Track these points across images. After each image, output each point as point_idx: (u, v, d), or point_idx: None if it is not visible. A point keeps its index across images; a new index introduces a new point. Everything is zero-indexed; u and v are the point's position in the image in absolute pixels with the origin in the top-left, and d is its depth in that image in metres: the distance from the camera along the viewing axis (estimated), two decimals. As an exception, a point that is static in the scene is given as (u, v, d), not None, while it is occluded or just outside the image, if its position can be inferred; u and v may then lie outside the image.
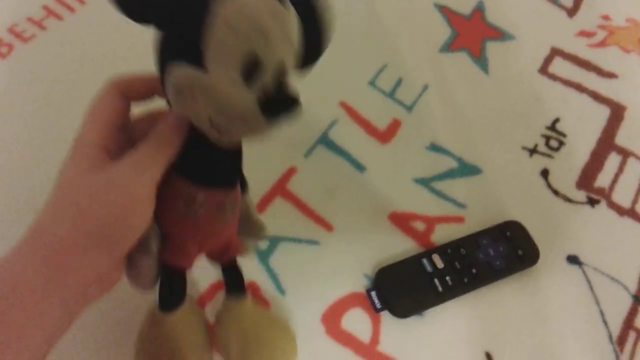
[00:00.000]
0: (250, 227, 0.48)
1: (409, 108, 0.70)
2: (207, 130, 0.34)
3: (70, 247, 0.33)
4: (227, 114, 0.32)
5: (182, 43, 0.32)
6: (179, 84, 0.32)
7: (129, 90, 0.39)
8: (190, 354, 0.46)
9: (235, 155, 0.40)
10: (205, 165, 0.39)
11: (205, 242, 0.43)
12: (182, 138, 0.37)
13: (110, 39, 0.72)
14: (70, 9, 0.76)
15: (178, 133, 0.37)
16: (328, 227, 0.61)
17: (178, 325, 0.45)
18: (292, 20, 0.33)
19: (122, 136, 0.38)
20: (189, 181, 0.38)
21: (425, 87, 0.72)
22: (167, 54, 0.33)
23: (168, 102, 0.36)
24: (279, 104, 0.32)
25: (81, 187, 0.35)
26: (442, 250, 0.58)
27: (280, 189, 0.62)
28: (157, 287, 0.43)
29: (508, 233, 0.59)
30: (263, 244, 0.58)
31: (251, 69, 0.31)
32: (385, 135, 0.67)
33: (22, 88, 0.68)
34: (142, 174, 0.35)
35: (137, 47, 0.72)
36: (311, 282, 0.57)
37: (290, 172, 0.64)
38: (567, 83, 0.73)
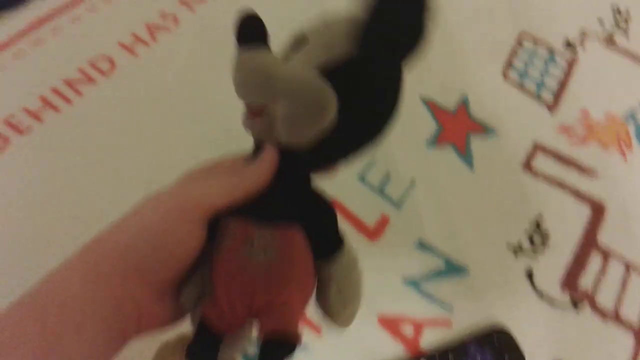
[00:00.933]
0: (325, 305, 0.40)
1: (397, 204, 0.71)
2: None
3: (104, 262, 0.33)
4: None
5: None
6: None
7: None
8: None
9: (278, 189, 0.38)
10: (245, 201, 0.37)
11: (234, 289, 0.36)
12: (267, 171, 0.37)
13: (106, 129, 0.73)
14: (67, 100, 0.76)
15: (265, 164, 0.36)
16: (316, 330, 0.60)
17: None
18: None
19: None
20: (231, 214, 0.36)
21: (413, 182, 0.73)
22: None
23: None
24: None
25: (138, 204, 0.35)
26: (430, 357, 0.58)
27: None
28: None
29: (495, 341, 0.60)
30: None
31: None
32: (374, 232, 0.68)
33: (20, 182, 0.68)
34: (194, 193, 0.35)
35: (132, 136, 0.73)
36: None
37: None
38: (549, 179, 0.75)
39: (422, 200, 0.72)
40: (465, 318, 0.63)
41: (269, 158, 0.37)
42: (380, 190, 0.72)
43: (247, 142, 0.40)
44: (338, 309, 0.40)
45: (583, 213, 0.73)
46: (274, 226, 0.36)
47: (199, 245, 0.35)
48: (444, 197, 0.72)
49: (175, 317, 0.37)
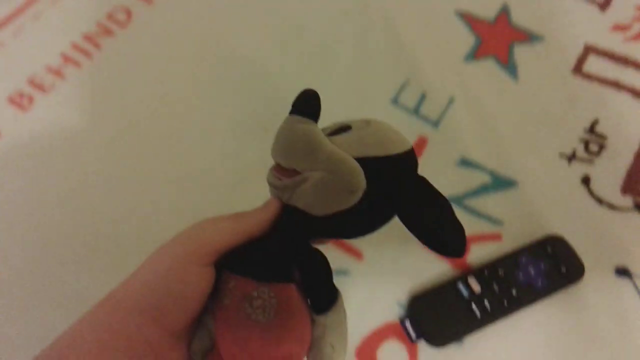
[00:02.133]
0: (317, 354, 0.40)
1: (435, 124, 0.67)
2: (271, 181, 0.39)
3: (118, 311, 0.33)
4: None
5: None
6: None
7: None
8: None
9: (277, 248, 0.39)
10: (240, 252, 0.38)
11: (236, 348, 0.37)
12: (261, 213, 0.38)
13: (127, 80, 0.74)
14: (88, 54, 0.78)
15: (266, 211, 0.38)
16: (358, 255, 0.59)
17: None
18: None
19: None
20: (229, 270, 0.38)
21: (451, 100, 0.69)
22: None
23: None
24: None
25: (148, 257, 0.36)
26: (478, 272, 0.55)
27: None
28: None
29: (549, 249, 0.56)
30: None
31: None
32: (411, 154, 0.65)
33: (45, 138, 0.70)
34: (199, 238, 0.36)
35: (153, 85, 0.74)
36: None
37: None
38: (604, 82, 0.69)
39: (463, 117, 0.68)
40: (517, 231, 0.59)
41: (273, 206, 0.39)
42: (416, 111, 0.68)
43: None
44: None
45: (644, 113, 0.67)
46: (272, 285, 0.37)
47: (210, 287, 0.36)
48: (486, 112, 0.68)
49: None
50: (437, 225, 0.37)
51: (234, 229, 0.37)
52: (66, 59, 0.77)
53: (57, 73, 0.76)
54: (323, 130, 0.38)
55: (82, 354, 0.31)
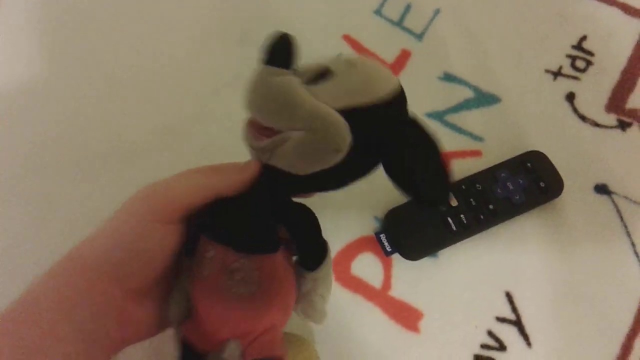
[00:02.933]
0: (310, 310, 0.40)
1: (419, 36, 0.65)
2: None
3: (82, 268, 0.32)
4: (245, 94, 0.34)
5: None
6: None
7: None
8: None
9: (259, 212, 0.36)
10: (222, 221, 0.36)
11: (215, 317, 0.35)
12: (235, 171, 0.35)
13: None
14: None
15: (230, 166, 0.36)
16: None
17: None
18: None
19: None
20: (207, 236, 0.35)
21: (437, 12, 0.66)
22: None
23: None
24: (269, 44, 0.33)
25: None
26: (456, 186, 0.54)
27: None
28: None
29: (529, 164, 0.55)
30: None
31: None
32: (393, 67, 0.63)
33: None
34: (163, 193, 0.34)
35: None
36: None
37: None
38: (595, -4, 0.67)
39: (448, 30, 0.65)
40: (498, 148, 0.58)
41: (252, 168, 0.35)
42: (400, 23, 0.66)
43: None
44: (322, 311, 0.40)
45: (634, 29, 0.64)
46: (255, 257, 0.35)
47: (175, 246, 0.34)
48: (472, 25, 0.65)
49: (159, 322, 0.36)
50: (418, 177, 0.35)
51: (205, 185, 0.35)
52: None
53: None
54: (301, 76, 0.34)
55: (46, 313, 0.31)
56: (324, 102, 0.33)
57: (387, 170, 0.36)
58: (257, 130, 0.34)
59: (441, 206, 0.39)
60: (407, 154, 0.35)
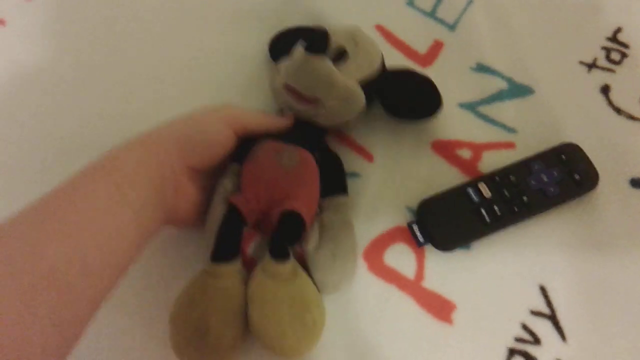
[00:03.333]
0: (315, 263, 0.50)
1: (452, 27, 0.64)
2: (288, 111, 0.53)
3: (155, 140, 0.44)
4: (288, 69, 0.50)
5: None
6: (273, 70, 0.56)
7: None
8: (218, 321, 0.44)
9: (304, 134, 0.52)
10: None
11: (260, 185, 0.48)
12: (276, 119, 0.53)
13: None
14: None
15: (286, 120, 0.53)
16: (368, 157, 0.57)
17: (220, 285, 0.45)
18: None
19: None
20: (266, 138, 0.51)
21: (470, 2, 0.66)
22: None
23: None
24: (312, 38, 0.49)
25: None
26: (489, 178, 0.54)
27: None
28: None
29: (563, 156, 0.54)
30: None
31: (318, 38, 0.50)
32: (426, 58, 0.62)
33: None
34: (224, 111, 0.49)
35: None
36: (353, 218, 0.54)
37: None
38: (631, -14, 0.66)
39: (481, 21, 0.65)
40: (531, 140, 0.58)
41: (290, 120, 0.53)
42: (432, 14, 0.65)
43: None
44: (327, 274, 0.49)
45: (671, 20, 0.63)
46: (297, 147, 0.50)
47: (229, 144, 0.48)
48: (506, 16, 0.65)
49: (201, 203, 0.48)
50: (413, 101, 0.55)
51: (259, 119, 0.51)
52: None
53: None
54: (329, 56, 0.50)
55: (123, 166, 0.40)
56: (348, 77, 0.50)
57: (389, 108, 0.56)
58: (298, 97, 0.50)
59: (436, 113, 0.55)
60: (399, 92, 0.55)
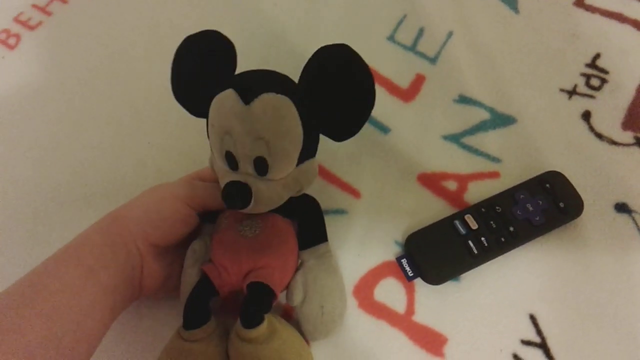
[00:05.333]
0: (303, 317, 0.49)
1: (433, 60, 0.65)
2: None
3: (117, 221, 0.45)
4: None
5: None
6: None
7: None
8: None
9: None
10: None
11: (227, 257, 0.47)
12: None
13: (115, 16, 0.71)
14: None
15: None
16: (355, 193, 0.58)
17: (195, 349, 0.45)
18: (260, 114, 0.40)
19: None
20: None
21: (450, 34, 0.67)
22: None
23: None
24: (229, 196, 0.42)
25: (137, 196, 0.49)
26: (475, 209, 0.54)
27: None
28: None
29: (547, 185, 0.55)
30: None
31: (231, 162, 0.43)
32: (408, 92, 0.63)
33: (33, 76, 0.68)
34: (182, 187, 0.49)
35: (142, 23, 0.71)
36: (341, 255, 0.54)
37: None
38: (607, 14, 0.67)
39: (462, 53, 0.66)
40: (515, 168, 0.58)
41: None
42: (413, 48, 0.66)
43: None
44: (317, 325, 0.49)
45: (648, 45, 0.65)
46: (259, 215, 0.48)
47: (190, 223, 0.49)
48: (485, 46, 0.66)
49: (168, 278, 0.49)
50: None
51: (215, 196, 0.47)
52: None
53: (44, 10, 0.74)
54: None
55: (92, 249, 0.42)
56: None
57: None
58: None
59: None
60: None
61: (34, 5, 0.74)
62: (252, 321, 0.44)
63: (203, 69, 0.45)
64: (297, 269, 0.50)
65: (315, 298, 0.48)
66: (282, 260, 0.48)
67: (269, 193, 0.44)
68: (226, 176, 0.44)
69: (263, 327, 0.44)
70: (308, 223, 0.52)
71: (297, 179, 0.45)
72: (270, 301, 0.46)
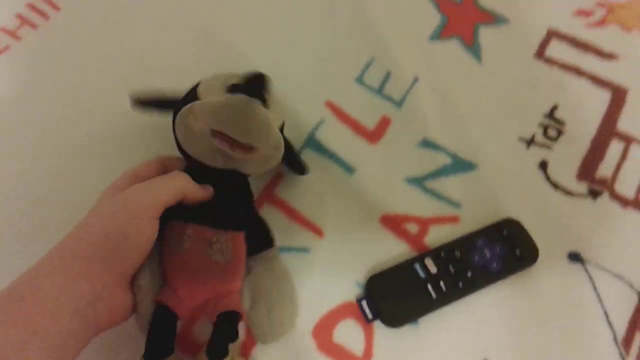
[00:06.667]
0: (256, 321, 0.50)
1: (399, 104, 0.67)
2: (213, 154, 0.46)
3: (78, 259, 0.39)
4: (216, 110, 0.44)
5: (184, 100, 0.47)
6: (182, 113, 0.44)
7: (169, 164, 0.51)
8: None
9: (229, 200, 0.49)
10: (199, 205, 0.46)
11: (193, 283, 0.45)
12: (199, 188, 0.47)
13: (88, 44, 0.71)
14: (45, 15, 0.74)
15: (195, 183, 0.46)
16: (318, 232, 0.58)
17: None
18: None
19: None
20: (181, 219, 0.45)
21: (416, 80, 0.69)
22: (176, 112, 0.47)
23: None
24: (249, 79, 0.46)
25: (93, 210, 0.43)
26: (435, 253, 0.56)
27: (268, 195, 0.60)
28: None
29: (505, 232, 0.57)
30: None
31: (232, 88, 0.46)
32: (374, 134, 0.65)
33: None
34: (146, 194, 0.42)
35: (113, 50, 0.71)
36: (301, 295, 0.54)
37: (278, 177, 0.62)
38: (565, 67, 0.70)
39: (426, 98, 0.68)
40: (475, 214, 0.60)
41: (208, 190, 0.48)
42: (380, 91, 0.68)
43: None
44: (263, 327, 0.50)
45: (602, 99, 0.67)
46: (228, 232, 0.47)
47: (156, 235, 0.43)
48: (449, 93, 0.68)
49: (132, 307, 0.44)
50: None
51: (181, 190, 0.44)
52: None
53: (13, 34, 0.73)
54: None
55: (49, 295, 0.36)
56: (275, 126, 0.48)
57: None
58: (230, 143, 0.45)
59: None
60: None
61: (2, 29, 0.73)
62: (222, 353, 0.44)
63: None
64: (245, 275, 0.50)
65: (262, 304, 0.50)
66: (242, 280, 0.49)
67: (275, 129, 0.47)
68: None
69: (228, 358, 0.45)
70: (254, 229, 0.51)
71: (278, 149, 0.48)
72: (237, 327, 0.47)
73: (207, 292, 0.45)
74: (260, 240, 0.52)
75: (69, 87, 0.68)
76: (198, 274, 0.45)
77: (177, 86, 0.53)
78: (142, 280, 0.44)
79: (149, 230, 0.42)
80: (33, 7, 0.75)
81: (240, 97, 0.44)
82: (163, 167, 0.50)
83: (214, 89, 0.47)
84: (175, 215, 0.45)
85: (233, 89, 0.46)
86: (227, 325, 0.46)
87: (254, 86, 0.46)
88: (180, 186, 0.44)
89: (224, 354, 0.44)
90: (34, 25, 0.73)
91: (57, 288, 0.37)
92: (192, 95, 0.48)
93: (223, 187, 0.48)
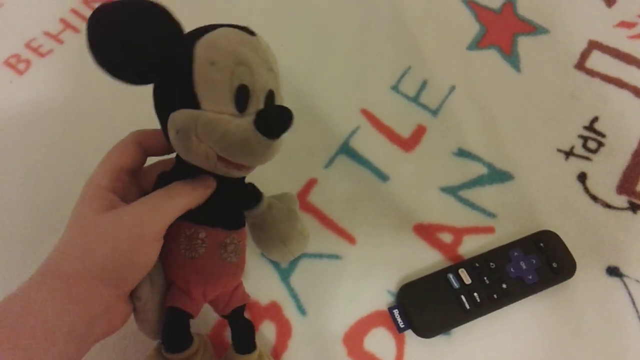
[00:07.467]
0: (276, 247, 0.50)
1: (435, 112, 0.67)
2: (215, 168, 0.40)
3: (78, 281, 0.36)
4: (228, 143, 0.36)
5: (174, 91, 0.37)
6: (181, 128, 0.36)
7: (147, 142, 0.44)
8: None
9: (238, 198, 0.46)
10: (207, 206, 0.42)
11: (208, 286, 0.43)
12: (202, 191, 0.42)
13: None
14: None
15: (196, 186, 0.42)
16: (350, 239, 0.58)
17: None
18: (266, 46, 0.39)
19: (132, 182, 0.43)
20: (191, 222, 0.42)
21: (452, 89, 0.68)
22: (165, 106, 0.38)
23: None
24: (273, 119, 0.36)
25: (91, 226, 0.38)
26: (469, 264, 0.55)
27: (301, 201, 0.60)
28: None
29: (542, 244, 0.56)
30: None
31: (243, 99, 0.36)
32: (409, 142, 0.64)
33: (41, 103, 0.68)
34: (153, 216, 0.39)
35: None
36: (333, 301, 0.54)
37: (311, 183, 0.62)
38: (606, 78, 0.69)
39: (463, 107, 0.67)
40: (510, 225, 0.59)
41: (213, 184, 0.43)
42: (416, 99, 0.68)
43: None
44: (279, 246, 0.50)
45: (645, 111, 0.66)
46: (238, 232, 0.45)
47: (157, 255, 0.40)
48: (487, 102, 0.67)
49: (129, 316, 0.43)
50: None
51: (184, 204, 0.41)
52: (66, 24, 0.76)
53: (56, 38, 0.75)
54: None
55: (42, 316, 0.34)
56: None
57: None
58: (234, 166, 0.40)
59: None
60: None
61: (46, 33, 0.75)
62: (249, 347, 0.46)
63: (141, 32, 0.36)
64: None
65: (274, 239, 0.50)
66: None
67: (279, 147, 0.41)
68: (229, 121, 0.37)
69: (255, 354, 0.46)
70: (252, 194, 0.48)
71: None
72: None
73: (219, 291, 0.45)
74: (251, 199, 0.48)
75: (110, 90, 0.69)
76: (213, 276, 0.43)
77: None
78: (141, 292, 0.42)
79: (154, 252, 0.40)
80: (76, 12, 0.77)
81: (260, 140, 0.36)
82: (142, 151, 0.44)
83: (217, 89, 0.36)
84: (182, 216, 0.41)
85: (257, 120, 0.36)
86: (239, 317, 0.47)
87: (281, 129, 0.36)
88: (185, 204, 0.41)
89: (252, 347, 0.46)
90: (76, 30, 0.75)
91: (52, 314, 0.34)
92: (187, 91, 0.36)
93: (227, 185, 0.44)
